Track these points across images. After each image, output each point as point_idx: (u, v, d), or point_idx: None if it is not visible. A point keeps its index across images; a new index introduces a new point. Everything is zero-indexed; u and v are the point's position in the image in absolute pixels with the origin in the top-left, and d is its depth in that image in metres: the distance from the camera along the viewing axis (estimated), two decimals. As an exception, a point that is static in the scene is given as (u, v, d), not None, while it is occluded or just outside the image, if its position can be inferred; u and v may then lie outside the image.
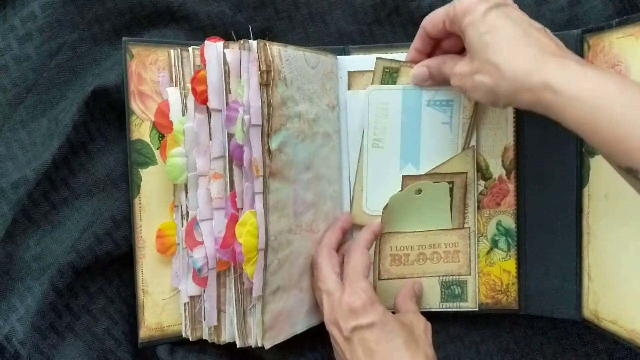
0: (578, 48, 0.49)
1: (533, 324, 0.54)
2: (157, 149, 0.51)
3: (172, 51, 0.50)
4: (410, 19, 0.54)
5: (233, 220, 0.46)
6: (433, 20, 0.47)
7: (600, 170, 0.48)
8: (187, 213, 0.50)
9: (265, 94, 0.44)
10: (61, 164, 0.50)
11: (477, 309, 0.53)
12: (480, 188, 0.53)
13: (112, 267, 0.53)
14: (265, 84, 0.44)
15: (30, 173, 0.50)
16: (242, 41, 0.46)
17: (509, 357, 0.54)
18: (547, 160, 0.51)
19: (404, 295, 0.52)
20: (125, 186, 0.52)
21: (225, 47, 0.46)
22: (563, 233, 0.51)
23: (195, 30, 0.53)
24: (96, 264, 0.51)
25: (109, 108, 0.52)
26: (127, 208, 0.52)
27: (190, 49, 0.49)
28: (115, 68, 0.52)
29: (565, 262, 0.51)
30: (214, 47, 0.47)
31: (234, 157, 0.46)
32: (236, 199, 0.47)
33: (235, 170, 0.47)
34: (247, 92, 0.45)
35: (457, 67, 0.45)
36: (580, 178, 0.50)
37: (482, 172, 0.53)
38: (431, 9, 0.53)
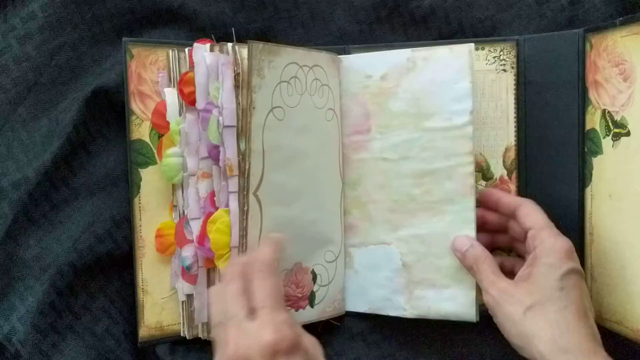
0: (580, 47, 0.49)
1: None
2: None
3: (170, 52, 0.50)
4: (411, 18, 0.53)
5: (208, 218, 0.46)
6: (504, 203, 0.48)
7: (603, 170, 0.47)
8: (183, 212, 0.49)
9: (240, 96, 0.44)
10: (61, 163, 0.50)
11: None
12: (481, 188, 0.52)
13: (112, 267, 0.52)
14: (238, 86, 0.44)
15: (30, 173, 0.50)
16: (220, 44, 0.46)
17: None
18: (549, 161, 0.51)
19: None
20: (126, 186, 0.51)
21: (211, 49, 0.46)
22: (565, 233, 0.51)
23: (195, 30, 0.53)
24: (96, 263, 0.51)
25: (110, 108, 0.51)
26: (127, 208, 0.51)
27: (187, 49, 0.49)
28: (115, 68, 0.51)
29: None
30: (202, 49, 0.46)
31: (211, 157, 0.46)
32: (214, 198, 0.46)
33: (214, 169, 0.47)
34: (221, 93, 0.45)
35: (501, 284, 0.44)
36: (583, 178, 0.49)
37: (483, 173, 0.52)
38: (431, 8, 0.53)
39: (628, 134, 0.45)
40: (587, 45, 0.48)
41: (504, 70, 0.51)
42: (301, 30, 0.54)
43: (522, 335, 0.42)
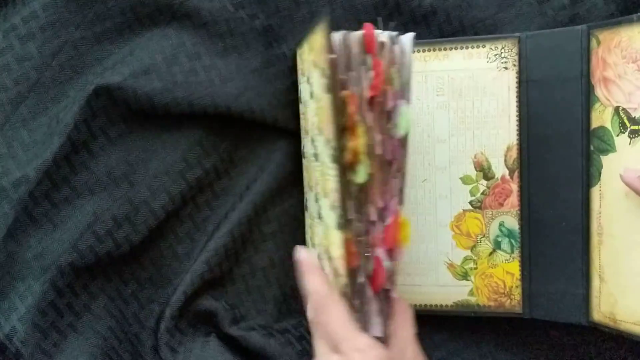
0: (584, 44, 0.47)
1: (535, 323, 0.52)
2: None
3: None
4: (412, 18, 0.52)
5: None
6: None
7: (616, 169, 0.46)
8: None
9: None
10: (62, 162, 0.49)
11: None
12: (483, 188, 0.50)
13: (112, 266, 0.51)
14: None
15: (31, 172, 0.49)
16: None
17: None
18: (552, 159, 0.49)
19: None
20: (126, 185, 0.51)
21: None
22: (568, 234, 0.49)
23: (197, 28, 0.51)
24: (97, 263, 0.50)
25: (112, 106, 0.50)
26: (128, 207, 0.50)
27: None
28: (117, 67, 0.50)
29: (571, 264, 0.49)
30: None
31: None
32: None
33: None
34: None
35: None
36: (588, 177, 0.48)
37: (484, 172, 0.50)
38: (432, 8, 0.52)
39: None
40: (594, 42, 0.46)
41: (505, 68, 0.49)
42: (301, 29, 0.53)
43: None
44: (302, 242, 0.54)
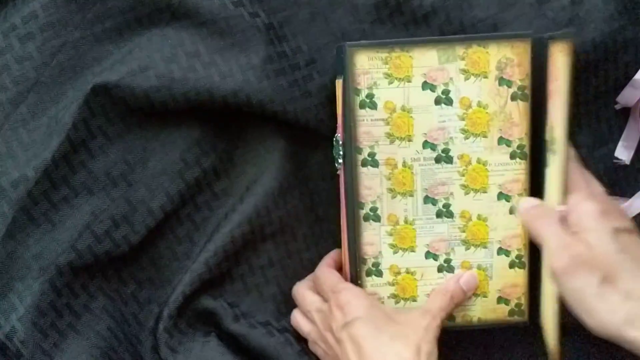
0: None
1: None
2: None
3: None
4: (413, 18, 0.52)
5: None
6: None
7: None
8: None
9: None
10: (61, 162, 0.49)
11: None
12: None
13: (111, 267, 0.51)
14: None
15: (30, 171, 0.48)
16: None
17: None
18: None
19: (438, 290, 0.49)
20: (125, 185, 0.50)
21: None
22: None
23: (197, 26, 0.51)
24: (95, 263, 0.50)
25: (111, 105, 0.50)
26: (126, 207, 0.50)
27: None
28: (116, 66, 0.50)
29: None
30: None
31: None
32: None
33: None
34: None
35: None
36: None
37: None
38: (433, 8, 0.51)
39: None
40: None
41: None
42: (302, 29, 0.53)
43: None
44: (303, 241, 0.54)
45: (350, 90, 0.48)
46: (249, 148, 0.54)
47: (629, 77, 0.53)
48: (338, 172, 0.51)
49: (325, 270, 0.50)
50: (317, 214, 0.55)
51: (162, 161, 0.51)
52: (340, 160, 0.50)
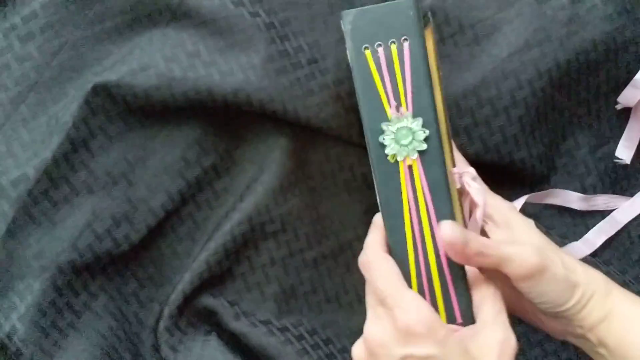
0: None
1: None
2: None
3: None
4: None
5: None
6: None
7: None
8: None
9: None
10: (62, 161, 0.49)
11: None
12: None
13: (112, 265, 0.51)
14: None
15: (30, 170, 0.48)
16: None
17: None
18: None
19: (487, 298, 0.38)
20: (126, 184, 0.50)
21: None
22: None
23: (197, 26, 0.51)
24: (96, 262, 0.49)
25: (112, 105, 0.50)
26: (126, 206, 0.50)
27: None
28: (116, 66, 0.50)
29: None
30: None
31: None
32: None
33: None
34: None
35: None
36: None
37: None
38: (431, 9, 0.51)
39: None
40: None
41: None
42: (303, 28, 0.52)
43: None
44: (304, 239, 0.54)
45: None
46: (250, 146, 0.53)
47: (629, 77, 0.53)
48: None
49: (380, 259, 0.39)
50: (318, 212, 0.55)
51: (162, 160, 0.51)
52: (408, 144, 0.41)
